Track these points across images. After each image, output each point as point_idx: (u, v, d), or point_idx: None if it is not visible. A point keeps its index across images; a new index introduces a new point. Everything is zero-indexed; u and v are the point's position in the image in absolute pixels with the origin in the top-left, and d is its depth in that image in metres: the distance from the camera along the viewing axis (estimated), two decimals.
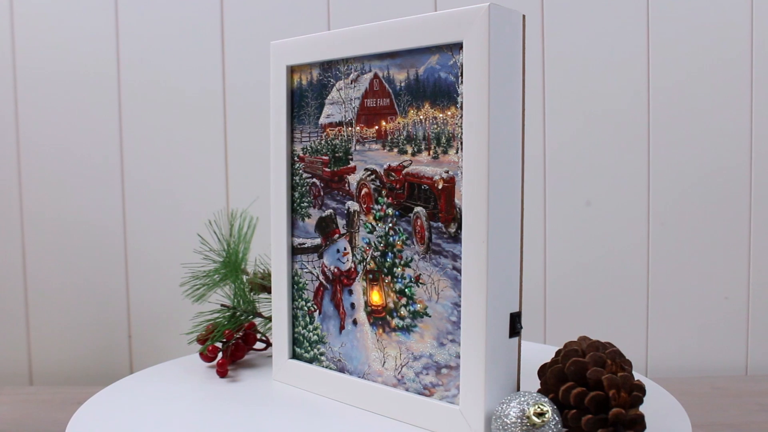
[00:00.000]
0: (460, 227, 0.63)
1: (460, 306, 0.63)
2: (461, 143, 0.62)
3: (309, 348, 0.77)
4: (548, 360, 0.65)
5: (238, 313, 0.87)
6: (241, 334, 0.86)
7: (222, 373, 0.82)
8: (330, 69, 0.73)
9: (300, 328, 0.78)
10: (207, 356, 0.85)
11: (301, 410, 0.71)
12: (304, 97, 0.76)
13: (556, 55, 1.24)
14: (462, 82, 0.61)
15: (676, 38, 1.24)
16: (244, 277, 0.91)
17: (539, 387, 0.64)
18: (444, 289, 0.64)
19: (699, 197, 1.26)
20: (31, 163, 1.30)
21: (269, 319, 0.89)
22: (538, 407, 0.55)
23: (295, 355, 0.79)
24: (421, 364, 0.67)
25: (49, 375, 1.31)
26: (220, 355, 0.85)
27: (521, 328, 0.63)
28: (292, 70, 0.77)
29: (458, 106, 0.62)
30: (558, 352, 0.64)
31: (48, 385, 1.28)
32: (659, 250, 1.26)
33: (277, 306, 0.80)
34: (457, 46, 0.62)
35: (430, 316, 0.66)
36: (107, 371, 1.29)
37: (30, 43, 1.28)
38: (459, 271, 0.63)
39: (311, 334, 0.77)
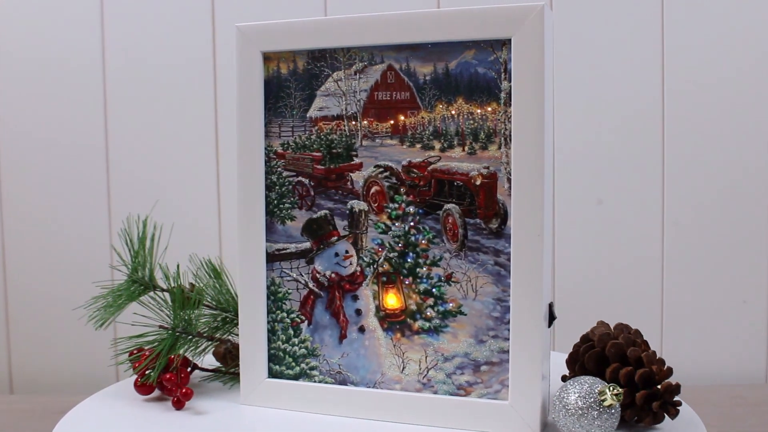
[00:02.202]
0: (503, 223, 0.63)
1: (503, 301, 0.63)
2: (505, 139, 0.62)
3: (293, 364, 0.70)
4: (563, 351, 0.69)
5: (179, 334, 0.75)
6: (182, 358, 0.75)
7: (182, 405, 0.70)
8: (323, 58, 0.68)
9: (279, 342, 0.71)
10: (147, 387, 0.72)
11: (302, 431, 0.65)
12: (284, 87, 0.69)
13: (567, 52, 1.15)
14: (507, 78, 0.62)
15: (691, 34, 1.15)
16: (161, 293, 0.79)
17: (570, 374, 0.67)
18: (483, 285, 0.64)
19: (715, 195, 1.15)
20: (10, 159, 1.18)
21: (209, 338, 0.78)
22: (614, 388, 0.58)
23: (272, 374, 0.71)
24: (453, 364, 0.65)
25: (30, 383, 1.22)
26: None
27: (556, 317, 0.65)
28: (265, 57, 0.69)
29: (500, 102, 0.62)
30: (584, 338, 0.68)
31: (29, 393, 1.20)
32: (674, 250, 1.15)
33: (248, 320, 0.71)
34: (499, 43, 0.62)
35: (465, 315, 0.65)
36: (91, 379, 1.16)
37: (9, 30, 1.17)
38: (502, 266, 0.63)
39: (296, 348, 0.70)
